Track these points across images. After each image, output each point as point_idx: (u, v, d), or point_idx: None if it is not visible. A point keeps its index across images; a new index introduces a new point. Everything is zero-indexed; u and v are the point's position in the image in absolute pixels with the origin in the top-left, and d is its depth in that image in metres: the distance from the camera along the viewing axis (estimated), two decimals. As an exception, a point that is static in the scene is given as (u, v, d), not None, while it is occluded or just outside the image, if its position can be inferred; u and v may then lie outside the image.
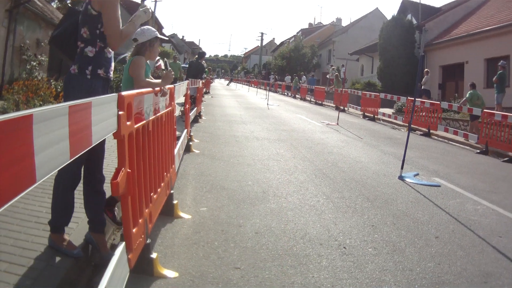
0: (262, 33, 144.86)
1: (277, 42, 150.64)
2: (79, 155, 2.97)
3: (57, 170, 2.62)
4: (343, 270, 5.85)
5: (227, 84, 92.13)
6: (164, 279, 5.11)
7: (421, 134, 24.94)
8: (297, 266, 5.84)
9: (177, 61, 28.61)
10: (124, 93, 4.22)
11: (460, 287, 5.77)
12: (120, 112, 4.07)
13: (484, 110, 20.98)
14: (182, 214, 7.44)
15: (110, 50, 5.49)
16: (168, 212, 7.23)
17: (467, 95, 25.40)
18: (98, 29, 5.32)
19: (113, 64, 5.59)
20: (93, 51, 5.31)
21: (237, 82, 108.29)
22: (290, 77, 65.85)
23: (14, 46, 22.33)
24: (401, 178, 11.92)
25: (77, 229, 5.80)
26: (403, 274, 5.92)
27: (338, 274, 5.73)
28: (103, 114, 3.58)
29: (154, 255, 5.24)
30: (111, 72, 5.56)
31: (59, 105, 2.69)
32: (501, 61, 25.50)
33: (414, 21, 45.20)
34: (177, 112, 16.18)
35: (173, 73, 6.66)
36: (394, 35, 43.32)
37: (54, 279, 4.46)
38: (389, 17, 49.52)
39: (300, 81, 59.24)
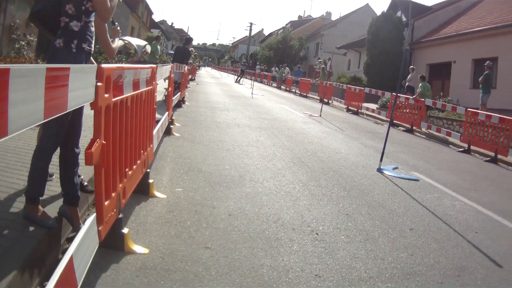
0: (251, 23, 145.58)
1: (266, 33, 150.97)
2: (54, 117, 2.97)
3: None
4: (313, 255, 5.88)
5: (237, 81, 60.33)
6: (134, 255, 5.11)
7: (404, 130, 25.06)
8: (268, 249, 5.87)
9: (159, 43, 28.52)
10: (104, 65, 4.21)
11: (432, 279, 5.78)
12: (98, 83, 4.06)
13: (468, 109, 21.12)
14: (157, 193, 7.45)
15: (93, 24, 5.51)
16: (144, 191, 7.23)
17: (420, 88, 26.12)
18: (84, 6, 5.33)
19: (94, 38, 5.61)
20: (79, 26, 5.32)
21: (222, 71, 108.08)
22: (277, 68, 65.80)
23: (4, 25, 22.19)
24: (379, 170, 11.99)
25: (52, 201, 5.79)
26: (374, 263, 5.94)
27: (308, 259, 5.75)
28: (81, 83, 3.57)
29: (125, 230, 5.24)
30: (92, 46, 5.58)
31: (37, 65, 2.71)
32: (487, 61, 25.66)
33: (404, 18, 45.40)
34: (161, 97, 16.18)
35: (119, 29, 6.66)
36: (383, 31, 43.51)
37: (26, 248, 4.45)
38: (379, 13, 49.66)
39: (284, 73, 59.49)
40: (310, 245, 6.22)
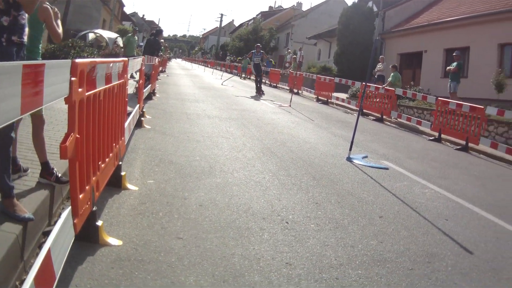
0: (221, 14, 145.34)
1: (236, 24, 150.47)
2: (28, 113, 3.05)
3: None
4: (284, 244, 5.98)
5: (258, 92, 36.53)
6: (109, 247, 5.18)
7: (374, 120, 25.23)
8: (239, 238, 5.97)
9: (135, 36, 28.49)
10: (77, 60, 4.27)
11: (402, 265, 5.90)
12: (72, 78, 4.13)
13: (439, 98, 21.31)
14: (129, 185, 7.49)
15: (24, 16, 5.56)
16: (116, 183, 7.27)
17: (390, 78, 26.57)
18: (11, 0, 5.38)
19: (27, 30, 5.66)
20: (7, 20, 5.35)
21: (192, 62, 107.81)
22: (249, 59, 65.65)
23: None
24: (349, 159, 12.11)
25: (28, 195, 5.83)
26: (344, 250, 6.05)
27: (278, 247, 5.86)
28: (56, 78, 3.65)
29: (99, 222, 5.30)
30: (25, 37, 5.63)
31: (14, 63, 2.79)
32: (456, 51, 25.88)
33: (375, 9, 45.48)
34: (131, 90, 16.20)
35: (57, 10, 6.73)
36: (354, 22, 43.65)
37: (2, 243, 4.50)
38: (350, 3, 49.82)
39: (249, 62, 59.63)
40: (281, 234, 6.33)
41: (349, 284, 5.16)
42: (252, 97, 28.71)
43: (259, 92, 31.38)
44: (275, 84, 46.32)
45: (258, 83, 32.46)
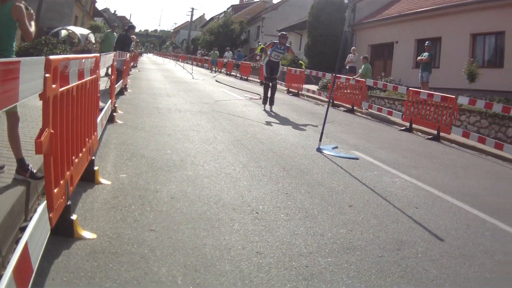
0: (192, 8, 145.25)
1: (207, 17, 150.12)
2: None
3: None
4: (254, 234, 6.10)
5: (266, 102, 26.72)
6: (84, 240, 5.26)
7: (345, 111, 25.35)
8: (210, 229, 6.07)
9: (114, 33, 28.52)
10: (51, 57, 4.35)
11: (372, 253, 6.02)
12: (46, 75, 4.22)
13: (410, 89, 21.58)
14: (102, 180, 7.56)
15: None
16: (89, 178, 7.33)
17: (361, 69, 27.02)
18: None
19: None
20: None
21: (164, 57, 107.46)
22: (217, 52, 65.37)
23: None
24: (319, 150, 12.25)
25: (3, 192, 5.91)
26: (313, 239, 6.18)
27: (249, 237, 5.98)
28: (31, 75, 3.75)
29: (74, 216, 5.38)
30: None
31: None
32: (427, 42, 26.12)
33: (346, 0, 45.59)
34: (103, 86, 16.22)
35: (32, 12, 6.85)
36: (324, 13, 43.77)
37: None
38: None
39: (217, 55, 59.78)
40: (251, 224, 6.45)
41: (318, 272, 5.26)
42: (223, 90, 28.78)
43: (269, 103, 20.39)
44: (246, 77, 46.24)
45: (270, 90, 20.46)
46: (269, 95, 20.61)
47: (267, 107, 20.62)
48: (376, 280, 5.30)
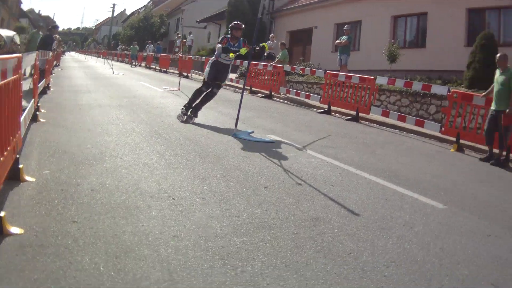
0: (114, 4, 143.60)
1: (128, 12, 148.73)
2: None
3: None
4: (171, 219, 6.29)
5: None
6: (12, 236, 5.37)
7: (262, 97, 25.62)
8: (129, 217, 6.25)
9: (40, 32, 28.27)
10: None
11: (287, 230, 6.24)
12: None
13: (327, 72, 21.97)
14: (27, 177, 7.63)
15: None
16: (15, 176, 7.38)
17: (280, 55, 27.05)
18: None
19: None
20: None
21: (86, 54, 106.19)
22: (137, 46, 64.82)
23: None
24: (235, 135, 12.44)
25: None
26: (229, 220, 6.40)
27: (166, 222, 6.16)
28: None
29: (2, 213, 5.47)
30: None
31: None
32: (346, 25, 26.61)
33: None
34: (26, 86, 16.18)
35: None
36: (243, 2, 43.98)
37: None
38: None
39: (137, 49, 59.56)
40: (168, 210, 6.63)
41: (234, 251, 5.46)
42: (142, 84, 28.77)
43: (192, 112, 14.90)
44: (165, 69, 46.10)
45: (203, 97, 15.17)
46: (197, 101, 15.02)
47: (185, 118, 14.65)
48: (292, 256, 5.50)
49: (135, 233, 5.74)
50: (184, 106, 15.02)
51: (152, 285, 4.56)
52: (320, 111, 20.89)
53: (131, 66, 55.18)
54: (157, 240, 5.59)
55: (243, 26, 15.31)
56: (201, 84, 15.25)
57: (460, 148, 14.73)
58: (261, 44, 15.32)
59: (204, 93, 14.92)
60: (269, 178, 8.75)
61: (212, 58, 15.05)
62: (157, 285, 4.57)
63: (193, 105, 14.93)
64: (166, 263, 5.06)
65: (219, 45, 14.66)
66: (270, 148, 11.47)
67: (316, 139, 13.22)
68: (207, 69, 15.06)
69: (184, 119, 14.51)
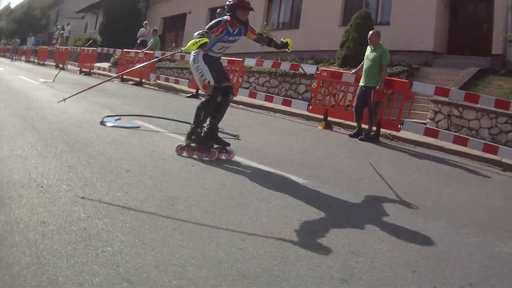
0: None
1: (12, 6, 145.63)
2: None
3: None
4: (39, 206, 6.42)
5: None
6: None
7: (133, 84, 26.17)
8: (1, 207, 6.33)
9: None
10: None
11: (146, 210, 6.56)
12: None
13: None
14: None
15: None
16: None
17: (151, 42, 27.64)
18: None
19: None
20: None
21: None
22: (18, 40, 63.83)
23: None
24: (102, 123, 12.67)
25: None
26: (92, 204, 6.62)
27: (35, 209, 6.29)
28: None
29: None
30: None
31: None
32: (219, 9, 27.05)
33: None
34: None
35: None
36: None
37: None
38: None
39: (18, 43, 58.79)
40: (36, 198, 6.75)
41: (96, 232, 5.68)
42: (20, 77, 28.30)
43: (218, 142, 10.24)
44: (43, 62, 45.51)
45: (222, 109, 10.43)
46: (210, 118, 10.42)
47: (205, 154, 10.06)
48: (149, 234, 5.78)
49: (7, 221, 5.87)
50: (190, 135, 10.24)
51: (22, 269, 4.69)
52: (188, 95, 21.52)
53: (11, 61, 53.98)
54: (26, 227, 5.73)
55: (251, 6, 10.68)
56: (205, 94, 10.40)
57: (328, 126, 15.36)
58: (284, 41, 12.04)
59: (220, 105, 10.28)
60: (131, 162, 9.02)
61: (197, 51, 10.21)
62: (27, 268, 4.70)
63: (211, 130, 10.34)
64: (34, 247, 5.20)
65: (208, 33, 9.69)
66: (135, 134, 11.76)
67: (180, 123, 13.51)
68: (202, 68, 10.11)
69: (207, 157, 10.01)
